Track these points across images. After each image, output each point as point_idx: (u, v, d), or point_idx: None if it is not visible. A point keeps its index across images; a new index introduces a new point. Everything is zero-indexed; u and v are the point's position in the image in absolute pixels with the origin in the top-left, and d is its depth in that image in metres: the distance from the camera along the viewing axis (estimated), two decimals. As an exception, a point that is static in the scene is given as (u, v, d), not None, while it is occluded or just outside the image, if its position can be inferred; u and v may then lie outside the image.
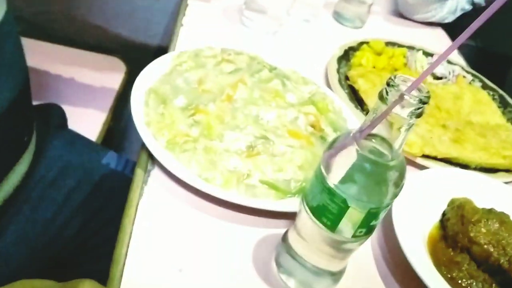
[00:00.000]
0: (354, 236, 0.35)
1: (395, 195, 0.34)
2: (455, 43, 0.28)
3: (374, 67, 0.72)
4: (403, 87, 0.31)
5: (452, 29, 0.98)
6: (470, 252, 0.46)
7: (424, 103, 0.31)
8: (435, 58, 0.79)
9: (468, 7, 0.94)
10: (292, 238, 0.40)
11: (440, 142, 0.60)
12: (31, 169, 0.60)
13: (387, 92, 0.31)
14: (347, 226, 0.35)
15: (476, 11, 0.96)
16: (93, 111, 0.90)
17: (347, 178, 0.33)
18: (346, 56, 0.72)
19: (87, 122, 0.85)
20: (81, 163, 0.68)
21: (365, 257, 0.46)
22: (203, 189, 0.44)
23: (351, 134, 0.34)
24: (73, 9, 1.10)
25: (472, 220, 0.46)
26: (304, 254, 0.39)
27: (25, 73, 0.57)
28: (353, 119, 0.57)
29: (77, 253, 0.63)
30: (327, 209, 0.34)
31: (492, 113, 0.70)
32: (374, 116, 0.32)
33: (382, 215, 0.35)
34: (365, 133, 0.33)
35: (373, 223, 0.35)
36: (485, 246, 0.45)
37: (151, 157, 0.47)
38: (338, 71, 0.67)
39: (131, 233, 0.42)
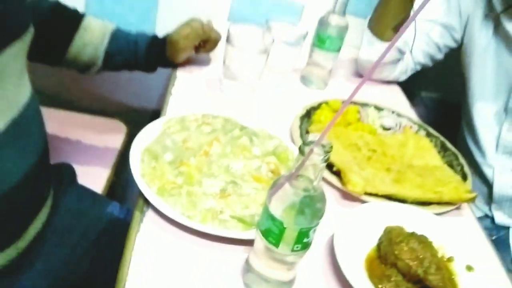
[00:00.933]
0: (293, 250, 0.48)
1: (319, 218, 0.47)
2: (355, 89, 0.42)
3: (331, 123, 0.86)
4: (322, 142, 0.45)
5: (408, 84, 1.14)
6: (397, 267, 0.59)
7: (328, 152, 0.44)
8: (385, 112, 0.94)
9: (418, 67, 1.10)
10: (251, 257, 0.53)
11: (382, 183, 0.73)
12: (48, 219, 0.73)
13: (303, 148, 0.45)
14: (287, 243, 0.48)
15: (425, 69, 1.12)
16: (99, 168, 1.05)
17: (283, 207, 0.47)
18: (308, 114, 0.87)
19: (93, 177, 0.99)
20: (89, 212, 0.82)
21: (316, 275, 0.58)
22: (187, 224, 0.57)
23: (285, 176, 0.48)
24: (80, 79, 1.26)
25: (397, 241, 0.59)
26: (260, 269, 0.52)
27: (45, 138, 0.71)
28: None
29: (91, 284, 0.76)
30: (271, 231, 0.48)
31: (432, 157, 0.84)
32: (298, 164, 0.46)
33: (312, 234, 0.48)
34: (294, 175, 0.46)
35: (305, 240, 0.48)
36: (407, 261, 0.58)
37: (146, 201, 0.61)
38: (300, 127, 0.82)
39: (130, 260, 0.54)
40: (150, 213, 0.60)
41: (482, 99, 1.02)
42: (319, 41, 0.96)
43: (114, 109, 1.28)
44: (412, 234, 0.61)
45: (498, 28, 0.97)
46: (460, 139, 1.10)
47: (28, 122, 0.65)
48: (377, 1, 1.01)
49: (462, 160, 0.85)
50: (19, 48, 0.62)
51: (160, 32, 0.93)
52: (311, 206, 0.47)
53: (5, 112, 0.60)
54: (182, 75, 0.93)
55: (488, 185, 1.03)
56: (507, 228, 1.03)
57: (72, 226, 0.78)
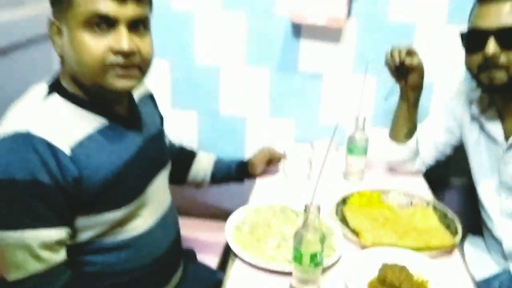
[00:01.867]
0: (309, 266, 0.89)
1: (321, 247, 0.88)
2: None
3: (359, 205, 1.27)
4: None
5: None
6: (385, 284, 0.95)
7: (319, 211, 0.87)
8: (400, 194, 1.32)
9: (433, 161, 1.48)
10: (292, 280, 0.94)
11: (388, 238, 1.11)
12: (179, 284, 1.19)
13: (306, 209, 0.88)
14: (305, 262, 0.89)
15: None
16: (212, 252, 1.53)
17: (301, 242, 0.89)
18: (344, 201, 1.28)
19: (209, 256, 1.47)
20: (205, 280, 1.27)
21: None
22: (258, 265, 1.00)
23: (301, 227, 0.90)
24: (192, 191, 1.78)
25: (382, 272, 0.96)
26: (296, 285, 0.93)
27: (178, 228, 1.20)
28: (337, 230, 1.12)
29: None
30: (296, 257, 0.90)
31: (432, 221, 1.20)
32: (305, 220, 0.89)
33: (319, 256, 0.89)
34: (304, 226, 0.89)
35: (316, 260, 0.89)
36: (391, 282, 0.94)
37: (234, 255, 1.05)
38: (336, 209, 1.23)
39: None
40: (237, 262, 1.04)
41: (482, 178, 1.35)
42: (349, 150, 1.40)
43: (218, 212, 1.76)
44: (395, 265, 0.97)
45: (482, 126, 1.34)
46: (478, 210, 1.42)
47: (169, 216, 1.15)
48: (393, 117, 1.45)
49: (457, 223, 1.19)
50: (165, 174, 1.15)
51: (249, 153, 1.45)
52: (316, 242, 0.89)
53: (158, 210, 1.10)
54: (259, 181, 1.42)
55: (500, 243, 1.32)
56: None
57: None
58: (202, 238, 1.61)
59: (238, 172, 1.42)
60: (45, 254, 0.87)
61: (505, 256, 1.31)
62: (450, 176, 1.69)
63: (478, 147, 1.35)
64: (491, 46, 1.13)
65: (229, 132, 1.74)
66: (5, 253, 0.86)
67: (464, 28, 1.22)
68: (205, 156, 1.42)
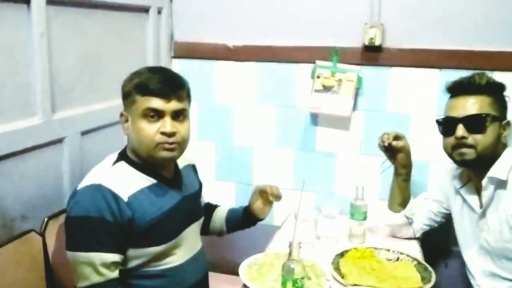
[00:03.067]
0: (292, 290, 1.19)
1: (301, 274, 1.18)
2: None
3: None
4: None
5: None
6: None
7: (299, 245, 1.19)
8: (389, 251, 1.58)
9: (426, 227, 1.73)
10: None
11: (369, 282, 1.37)
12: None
13: (291, 247, 1.20)
14: (289, 287, 1.19)
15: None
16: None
17: (286, 272, 1.20)
18: (342, 254, 1.56)
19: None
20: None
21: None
22: (260, 293, 1.31)
23: (287, 261, 1.21)
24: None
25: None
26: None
27: (206, 267, 1.53)
28: (328, 274, 1.40)
29: None
30: (283, 282, 1.20)
31: (411, 272, 1.45)
32: (289, 255, 1.20)
33: (299, 282, 1.19)
34: (289, 259, 1.20)
35: (297, 285, 1.19)
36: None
37: (244, 286, 1.36)
38: (333, 260, 1.52)
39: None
40: (246, 291, 1.35)
41: (465, 242, 1.59)
42: (351, 214, 1.70)
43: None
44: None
45: (463, 198, 1.60)
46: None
47: (199, 257, 1.48)
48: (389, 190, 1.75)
49: (433, 275, 1.43)
50: (197, 225, 1.51)
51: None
52: (296, 270, 1.19)
53: (190, 251, 1.44)
54: (277, 235, 1.74)
55: (481, 299, 1.52)
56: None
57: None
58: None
59: (245, 216, 1.61)
60: (104, 270, 1.23)
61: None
62: (451, 246, 1.91)
63: (461, 215, 1.61)
64: (460, 130, 1.43)
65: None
66: (78, 267, 1.23)
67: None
68: (222, 208, 1.71)
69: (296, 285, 1.19)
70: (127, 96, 1.31)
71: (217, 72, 2.09)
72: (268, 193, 1.56)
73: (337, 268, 1.47)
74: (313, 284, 1.34)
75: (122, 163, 1.34)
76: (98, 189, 1.24)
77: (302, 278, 1.20)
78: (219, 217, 1.69)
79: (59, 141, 1.47)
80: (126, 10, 1.80)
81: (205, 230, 1.68)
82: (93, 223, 1.22)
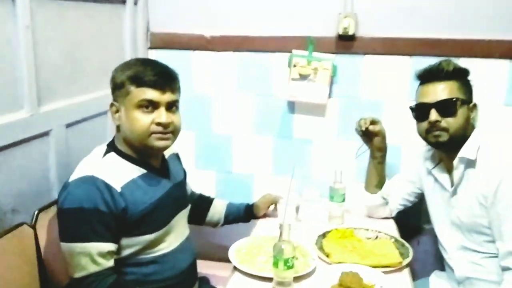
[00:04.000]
0: (283, 269, 1.25)
1: (292, 254, 1.25)
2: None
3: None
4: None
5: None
6: (342, 286, 1.29)
7: (290, 227, 1.25)
8: (368, 230, 1.67)
9: (401, 207, 1.83)
10: (273, 283, 1.30)
11: (351, 259, 1.46)
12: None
13: (281, 228, 1.26)
14: (280, 266, 1.25)
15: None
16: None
17: (278, 251, 1.26)
18: (324, 235, 1.64)
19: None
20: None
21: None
22: (251, 272, 1.37)
23: (278, 242, 1.28)
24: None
25: (341, 277, 1.31)
26: (274, 285, 1.28)
27: (194, 253, 1.58)
28: (313, 254, 1.48)
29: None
30: (274, 262, 1.26)
31: (390, 248, 1.54)
32: (280, 235, 1.27)
33: (291, 261, 1.25)
34: (280, 239, 1.27)
35: (288, 264, 1.25)
36: (343, 283, 1.29)
37: (234, 268, 1.42)
38: (317, 240, 1.59)
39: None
40: (236, 273, 1.41)
41: (437, 219, 1.69)
42: (331, 197, 1.78)
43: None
44: (349, 273, 1.32)
45: (435, 178, 1.70)
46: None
47: (187, 244, 1.53)
48: (366, 173, 1.84)
49: (410, 251, 1.53)
50: (185, 212, 1.55)
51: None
52: (287, 250, 1.26)
53: (179, 238, 1.49)
54: (261, 221, 1.80)
55: (453, 270, 1.63)
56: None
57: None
58: (216, 273, 1.94)
59: (246, 214, 1.81)
60: (100, 260, 1.26)
61: (458, 283, 1.62)
62: (423, 223, 2.03)
63: (433, 194, 1.71)
64: (433, 115, 1.52)
65: (240, 187, 2.17)
66: (74, 258, 1.26)
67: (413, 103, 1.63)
68: (220, 202, 1.82)
69: (288, 264, 1.26)
70: (119, 87, 1.33)
71: (194, 62, 2.12)
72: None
73: (321, 248, 1.55)
74: (301, 263, 1.41)
75: (112, 154, 1.36)
76: (91, 181, 1.26)
77: (293, 257, 1.27)
78: (218, 211, 1.78)
79: (46, 134, 1.47)
80: (104, 1, 1.80)
81: (200, 221, 1.74)
82: (88, 214, 1.24)
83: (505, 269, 1.41)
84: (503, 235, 1.41)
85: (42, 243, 1.38)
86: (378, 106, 1.99)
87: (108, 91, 1.37)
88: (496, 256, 1.46)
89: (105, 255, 1.26)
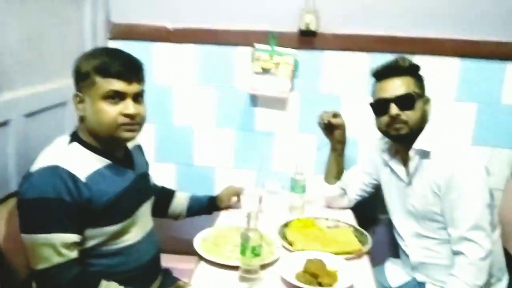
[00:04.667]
0: (251, 257, 1.28)
1: (259, 242, 1.28)
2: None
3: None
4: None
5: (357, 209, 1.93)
6: (307, 274, 1.34)
7: (257, 216, 1.28)
8: (328, 220, 1.73)
9: (359, 197, 1.91)
10: (239, 270, 1.32)
11: (314, 246, 1.50)
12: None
13: (249, 217, 1.29)
14: (248, 254, 1.28)
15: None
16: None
17: (246, 240, 1.29)
18: (286, 224, 1.69)
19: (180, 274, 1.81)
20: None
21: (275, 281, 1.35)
22: (216, 261, 1.39)
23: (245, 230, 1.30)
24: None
25: (306, 264, 1.35)
26: (242, 273, 1.31)
27: (159, 245, 1.57)
28: (277, 243, 1.51)
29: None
30: (242, 250, 1.29)
31: (349, 236, 1.61)
32: (247, 224, 1.29)
33: (258, 249, 1.28)
34: (247, 228, 1.29)
35: (255, 252, 1.28)
36: (308, 270, 1.33)
37: (200, 257, 1.43)
38: (280, 230, 1.63)
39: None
40: (201, 263, 1.42)
41: (394, 208, 1.77)
42: (292, 188, 1.83)
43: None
44: (312, 260, 1.37)
45: (391, 169, 1.78)
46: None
47: (151, 236, 1.52)
48: (325, 165, 1.90)
49: (369, 238, 1.60)
50: (149, 204, 1.55)
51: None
52: (254, 238, 1.28)
53: (143, 229, 1.48)
54: (223, 212, 1.82)
55: (408, 256, 1.72)
56: (424, 283, 1.68)
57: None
58: (179, 266, 1.94)
59: (208, 206, 1.82)
60: (64, 251, 1.24)
61: (412, 268, 1.71)
62: (378, 214, 2.12)
63: (389, 185, 1.79)
64: (393, 109, 1.58)
65: (201, 180, 2.17)
66: (36, 249, 1.23)
67: (371, 99, 1.69)
68: (182, 194, 1.82)
69: (255, 251, 1.29)
70: (84, 78, 1.30)
71: (155, 54, 2.10)
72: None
73: (284, 237, 1.59)
74: (266, 252, 1.44)
75: (76, 145, 1.34)
76: (55, 170, 1.24)
77: (260, 245, 1.29)
78: (181, 203, 1.78)
79: (4, 123, 1.42)
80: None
81: (163, 213, 1.74)
82: (51, 204, 1.22)
83: (456, 253, 1.50)
84: (455, 221, 1.50)
85: (1, 235, 1.33)
86: (336, 101, 2.05)
87: (69, 81, 1.34)
88: (448, 242, 1.55)
89: (69, 246, 1.24)
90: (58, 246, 1.22)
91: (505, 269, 1.66)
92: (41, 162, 1.27)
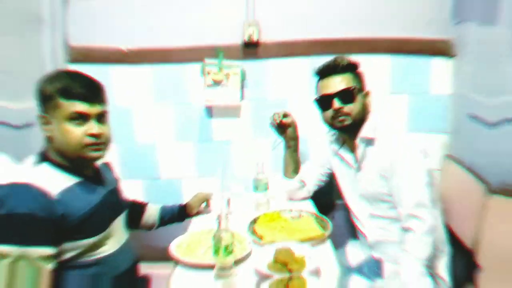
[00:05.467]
0: (224, 255, 1.40)
1: (230, 241, 1.41)
2: None
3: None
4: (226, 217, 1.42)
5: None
6: (278, 263, 1.48)
7: (227, 217, 1.41)
8: (291, 211, 1.88)
9: (316, 187, 2.07)
10: (215, 269, 1.45)
11: (281, 237, 1.65)
12: None
13: (218, 217, 1.42)
14: (220, 253, 1.41)
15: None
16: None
17: (217, 240, 1.41)
18: (255, 220, 1.82)
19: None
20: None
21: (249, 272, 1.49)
22: (191, 262, 1.51)
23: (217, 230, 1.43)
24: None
25: (275, 254, 1.50)
26: (217, 272, 1.44)
27: (135, 255, 1.66)
28: (248, 238, 1.65)
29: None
30: (215, 250, 1.41)
31: (312, 224, 1.77)
32: (219, 224, 1.42)
33: (230, 247, 1.41)
34: (219, 229, 1.42)
35: (228, 250, 1.41)
36: (278, 259, 1.47)
37: (176, 262, 1.54)
38: (249, 225, 1.77)
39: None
40: (178, 268, 1.53)
41: (347, 193, 1.94)
42: (255, 188, 1.97)
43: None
44: (281, 250, 1.51)
45: (341, 158, 1.96)
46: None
47: (127, 247, 1.60)
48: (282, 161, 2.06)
49: (330, 224, 1.76)
50: (123, 217, 1.64)
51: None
52: (225, 237, 1.41)
53: (119, 241, 1.55)
54: (194, 219, 1.94)
55: (365, 237, 1.89)
56: (380, 260, 1.85)
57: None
58: (158, 272, 2.02)
59: (180, 214, 1.92)
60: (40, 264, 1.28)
61: (369, 247, 1.88)
62: (335, 200, 2.29)
63: (341, 172, 1.96)
64: (336, 103, 1.75)
65: (168, 192, 2.30)
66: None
67: (314, 96, 1.86)
68: (153, 206, 1.91)
69: (228, 249, 1.41)
70: (48, 100, 1.37)
71: (113, 76, 2.19)
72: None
73: (253, 233, 1.73)
74: (239, 249, 1.57)
75: (45, 165, 1.40)
76: (26, 188, 1.28)
77: (231, 243, 1.42)
78: (152, 214, 1.88)
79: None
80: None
81: (136, 225, 1.82)
82: (28, 221, 1.26)
83: (405, 229, 1.66)
84: (402, 201, 1.67)
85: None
86: (284, 104, 2.22)
87: (31, 103, 1.40)
88: (399, 221, 1.71)
89: (45, 258, 1.28)
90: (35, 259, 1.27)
91: (446, 241, 1.83)
92: (8, 181, 1.30)
